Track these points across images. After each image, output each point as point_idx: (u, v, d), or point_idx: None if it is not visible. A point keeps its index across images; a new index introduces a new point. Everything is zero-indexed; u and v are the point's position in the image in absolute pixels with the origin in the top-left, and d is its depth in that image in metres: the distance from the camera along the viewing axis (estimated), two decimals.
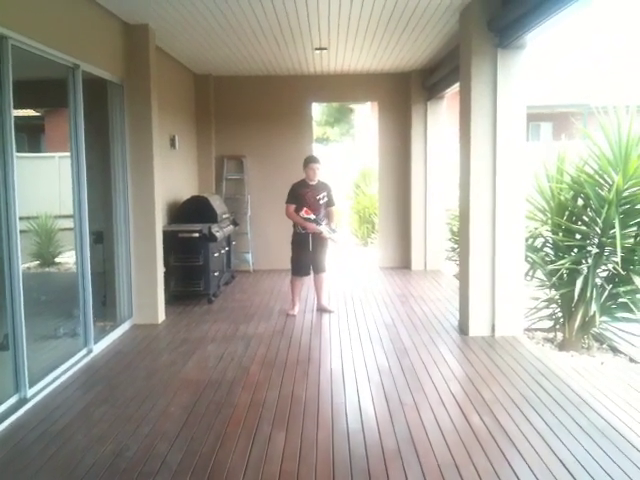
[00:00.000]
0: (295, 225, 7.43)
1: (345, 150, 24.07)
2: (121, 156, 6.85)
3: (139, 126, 6.92)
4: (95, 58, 6.09)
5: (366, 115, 20.96)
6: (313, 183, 7.37)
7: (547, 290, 6.75)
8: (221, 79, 10.41)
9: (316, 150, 11.32)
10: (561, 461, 3.63)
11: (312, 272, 7.55)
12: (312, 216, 7.24)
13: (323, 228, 7.30)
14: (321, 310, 7.59)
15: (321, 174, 7.48)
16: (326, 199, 7.43)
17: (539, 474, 3.49)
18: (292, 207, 7.31)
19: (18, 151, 4.72)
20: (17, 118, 4.76)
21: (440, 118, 10.29)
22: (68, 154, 5.82)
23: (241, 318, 7.35)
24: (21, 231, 4.69)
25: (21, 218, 4.70)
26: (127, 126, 6.87)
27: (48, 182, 8.54)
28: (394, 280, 9.61)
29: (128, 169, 6.90)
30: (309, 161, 7.41)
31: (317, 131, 25.37)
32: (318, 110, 25.46)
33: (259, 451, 3.86)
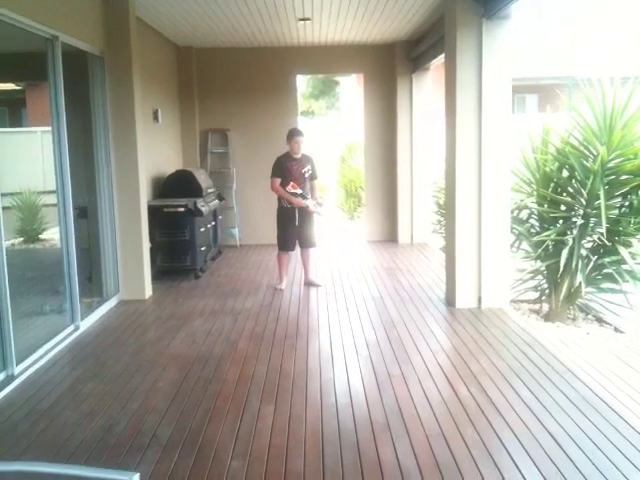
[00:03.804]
0: (280, 199, 7.39)
1: (331, 123, 23.93)
2: (103, 130, 6.75)
3: (121, 99, 6.81)
4: (74, 29, 5.96)
5: (351, 87, 20.81)
6: (298, 156, 7.31)
7: (533, 261, 6.78)
8: (204, 51, 10.26)
9: (301, 123, 11.23)
10: (548, 431, 3.68)
11: (299, 247, 7.55)
12: (299, 190, 7.20)
13: (309, 202, 7.27)
14: (309, 284, 7.59)
15: (305, 147, 7.43)
16: (310, 172, 7.39)
17: (526, 444, 3.53)
18: (278, 181, 7.25)
19: None
20: None
21: (425, 90, 10.23)
22: (50, 128, 5.73)
23: (228, 293, 7.34)
24: (4, 207, 4.63)
25: (4, 194, 4.64)
26: (109, 99, 6.76)
27: (31, 157, 8.42)
28: (381, 253, 9.62)
29: (111, 143, 6.81)
30: (293, 134, 7.33)
31: (302, 104, 25.20)
32: (303, 82, 25.26)
33: (248, 425, 3.87)
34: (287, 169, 7.23)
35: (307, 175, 7.34)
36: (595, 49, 19.05)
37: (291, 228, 7.37)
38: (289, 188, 7.17)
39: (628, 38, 19.56)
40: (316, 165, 7.57)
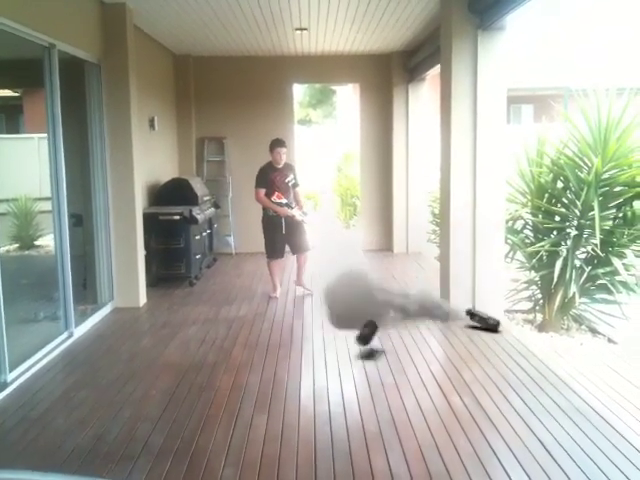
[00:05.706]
0: (265, 209, 7.42)
1: (328, 132, 23.98)
2: (99, 137, 6.75)
3: (117, 107, 6.82)
4: (71, 37, 5.97)
5: (348, 97, 20.86)
6: (280, 166, 7.37)
7: (527, 272, 6.80)
8: (201, 59, 10.28)
9: (298, 132, 11.25)
10: (540, 441, 3.68)
11: (293, 253, 7.58)
12: (284, 200, 7.24)
13: (295, 212, 7.31)
14: (299, 286, 7.62)
15: (287, 157, 7.53)
16: (293, 181, 7.46)
17: (519, 454, 3.53)
18: (262, 191, 7.28)
19: None
20: None
21: (421, 100, 10.27)
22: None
23: (223, 301, 7.33)
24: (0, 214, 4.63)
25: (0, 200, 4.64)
26: (105, 107, 6.77)
27: (27, 164, 8.43)
28: (376, 262, 9.61)
29: (107, 150, 6.81)
30: (276, 145, 7.38)
31: (300, 113, 25.23)
32: (300, 91, 25.32)
33: (241, 434, 3.87)
34: (271, 179, 7.28)
35: (290, 184, 7.41)
36: (593, 47, 18.98)
37: (279, 236, 7.40)
38: (274, 198, 7.21)
39: (627, 35, 19.51)
40: (297, 173, 7.68)
